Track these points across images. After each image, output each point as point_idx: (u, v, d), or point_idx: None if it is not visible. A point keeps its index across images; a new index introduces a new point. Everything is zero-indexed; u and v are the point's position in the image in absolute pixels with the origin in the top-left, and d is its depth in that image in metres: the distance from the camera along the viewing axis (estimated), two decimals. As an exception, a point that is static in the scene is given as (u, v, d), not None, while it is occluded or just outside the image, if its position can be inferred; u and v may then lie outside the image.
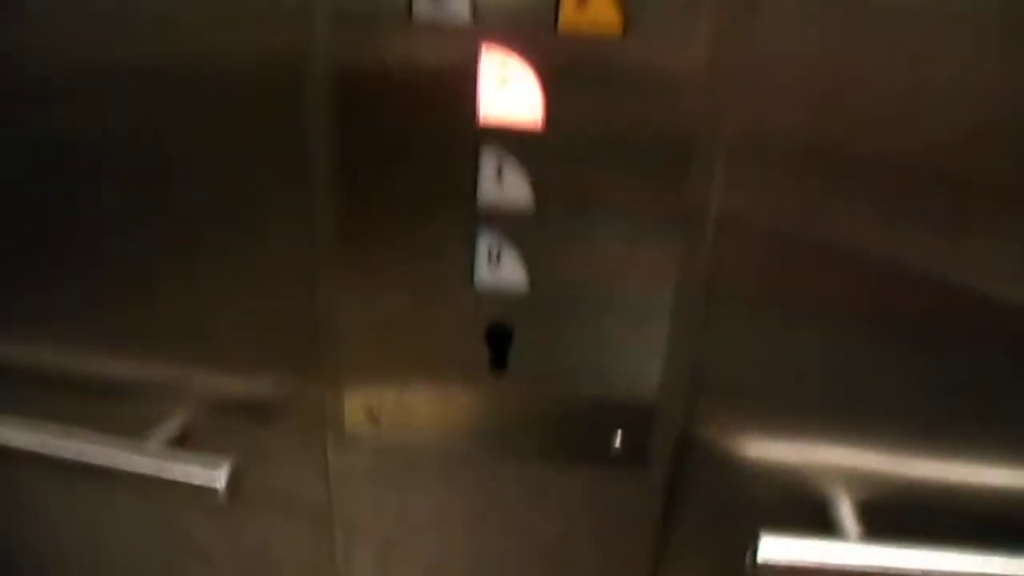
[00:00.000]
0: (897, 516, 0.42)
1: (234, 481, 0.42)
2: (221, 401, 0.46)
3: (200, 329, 0.45)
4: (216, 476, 0.42)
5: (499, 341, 0.40)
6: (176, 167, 0.41)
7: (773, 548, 0.39)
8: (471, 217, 0.38)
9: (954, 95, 0.35)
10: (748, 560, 0.39)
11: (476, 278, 0.39)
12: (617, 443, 0.42)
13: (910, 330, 0.39)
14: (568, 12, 0.34)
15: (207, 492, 0.42)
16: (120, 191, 0.43)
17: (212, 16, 0.38)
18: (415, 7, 0.35)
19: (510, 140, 0.37)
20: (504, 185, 0.37)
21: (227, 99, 0.39)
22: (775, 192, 0.37)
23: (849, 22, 0.35)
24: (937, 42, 0.35)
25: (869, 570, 0.39)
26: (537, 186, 0.37)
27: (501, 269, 0.39)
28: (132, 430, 0.45)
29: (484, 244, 0.38)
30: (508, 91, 0.36)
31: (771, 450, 0.42)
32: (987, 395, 0.40)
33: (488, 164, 0.37)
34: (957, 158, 0.36)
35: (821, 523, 0.42)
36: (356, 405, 0.43)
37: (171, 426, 0.47)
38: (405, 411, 0.42)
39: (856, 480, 0.42)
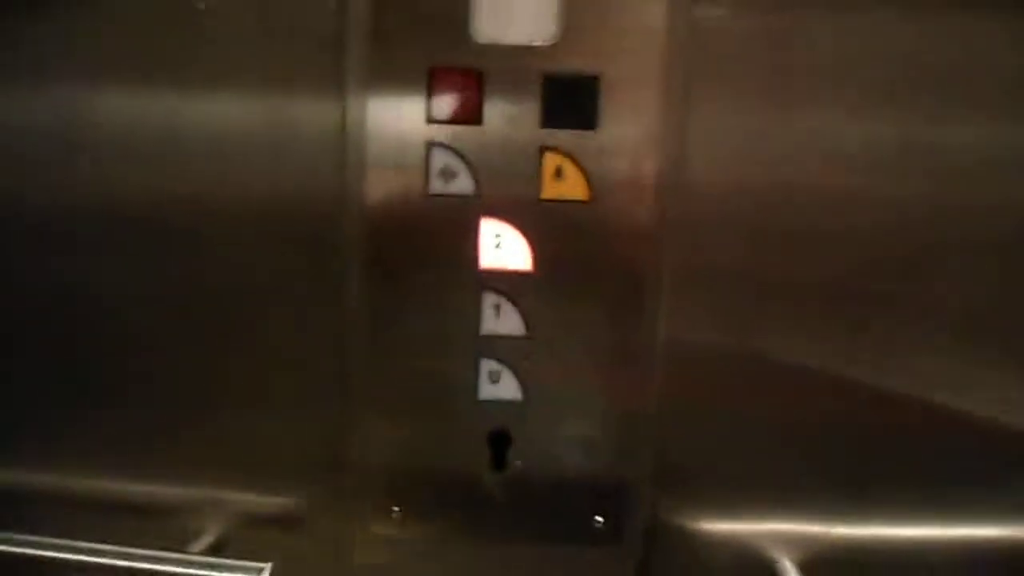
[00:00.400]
0: (835, 571, 0.50)
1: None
2: (254, 514, 0.52)
3: (234, 451, 0.51)
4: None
5: (499, 444, 0.48)
6: (212, 302, 0.48)
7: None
8: (475, 344, 0.47)
9: (865, 223, 0.46)
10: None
11: (479, 394, 0.48)
12: (598, 524, 0.50)
13: (831, 420, 0.49)
14: (548, 184, 0.45)
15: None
16: (158, 327, 0.49)
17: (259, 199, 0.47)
18: (431, 183, 0.45)
19: (505, 282, 0.46)
20: (501, 318, 0.47)
21: (268, 250, 0.47)
22: (715, 314, 0.48)
23: (768, 181, 0.46)
24: (851, 177, 0.46)
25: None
26: (528, 318, 0.47)
27: (500, 385, 0.47)
28: (169, 546, 0.49)
29: (486, 365, 0.47)
30: (503, 245, 0.46)
31: (726, 525, 0.51)
32: (895, 467, 0.50)
33: (488, 302, 0.46)
34: (862, 277, 0.47)
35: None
36: (379, 507, 0.50)
37: (206, 540, 0.51)
38: (420, 508, 0.50)
39: (795, 543, 0.51)
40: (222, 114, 0.46)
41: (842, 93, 0.46)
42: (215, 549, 0.51)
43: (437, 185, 0.45)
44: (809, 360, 0.48)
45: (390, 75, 0.45)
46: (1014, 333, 0.49)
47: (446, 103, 0.44)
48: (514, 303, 0.46)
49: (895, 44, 0.46)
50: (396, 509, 0.49)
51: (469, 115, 0.44)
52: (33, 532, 0.50)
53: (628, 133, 0.45)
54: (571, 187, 0.45)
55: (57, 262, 0.49)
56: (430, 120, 0.45)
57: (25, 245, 0.49)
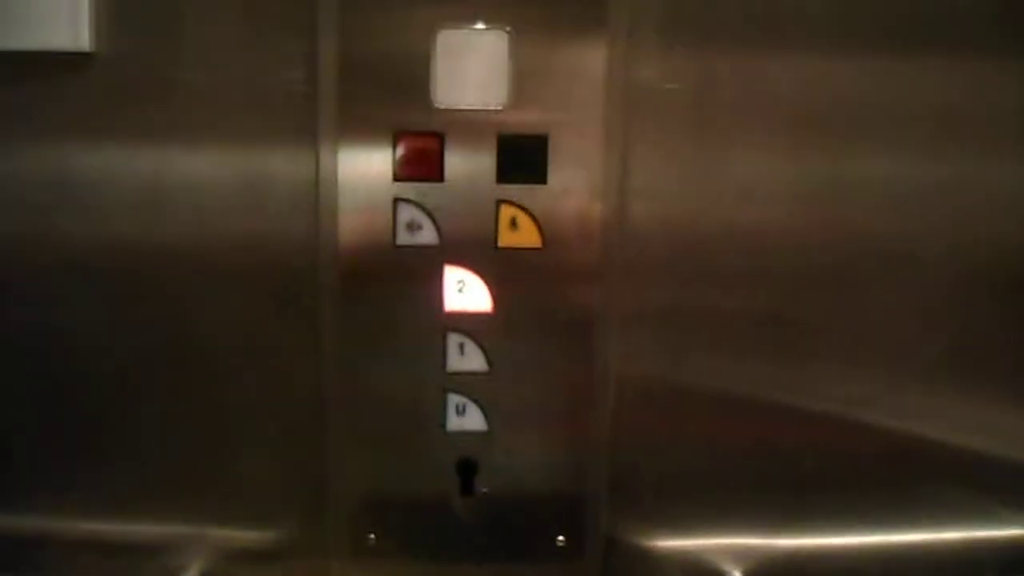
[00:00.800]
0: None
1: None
2: (235, 549, 0.54)
3: (215, 488, 0.53)
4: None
5: (467, 472, 0.52)
6: (193, 345, 0.51)
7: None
8: (442, 380, 0.51)
9: (795, 257, 0.51)
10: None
11: (447, 425, 0.51)
12: (560, 543, 0.53)
13: (769, 440, 0.54)
14: (504, 234, 0.50)
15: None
16: (141, 372, 0.51)
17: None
18: (398, 235, 0.49)
19: (467, 323, 0.50)
20: (465, 355, 0.51)
21: (246, 296, 0.50)
22: (659, 347, 0.52)
23: (704, 221, 0.51)
24: (780, 213, 0.51)
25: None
26: (490, 355, 0.51)
27: (466, 417, 0.51)
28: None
29: (452, 399, 0.51)
30: (465, 289, 0.50)
31: (677, 541, 0.55)
32: (828, 481, 0.54)
33: (453, 341, 0.51)
34: (793, 308, 0.52)
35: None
36: (356, 534, 0.53)
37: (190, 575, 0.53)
38: (394, 533, 0.53)
39: (742, 555, 0.55)
40: (201, 168, 0.50)
41: (768, 136, 0.50)
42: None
43: (404, 237, 0.49)
44: (747, 386, 0.53)
45: (359, 137, 0.49)
46: (929, 353, 0.54)
47: (410, 162, 0.49)
48: (477, 342, 0.51)
49: (820, 87, 0.50)
50: (372, 536, 0.53)
51: (431, 173, 0.49)
52: (15, 572, 0.53)
53: (575, 185, 0.49)
54: (525, 236, 0.50)
55: (39, 312, 0.51)
56: (396, 178, 0.49)
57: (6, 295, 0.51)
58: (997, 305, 0.53)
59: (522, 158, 0.49)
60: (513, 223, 0.49)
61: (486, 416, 0.51)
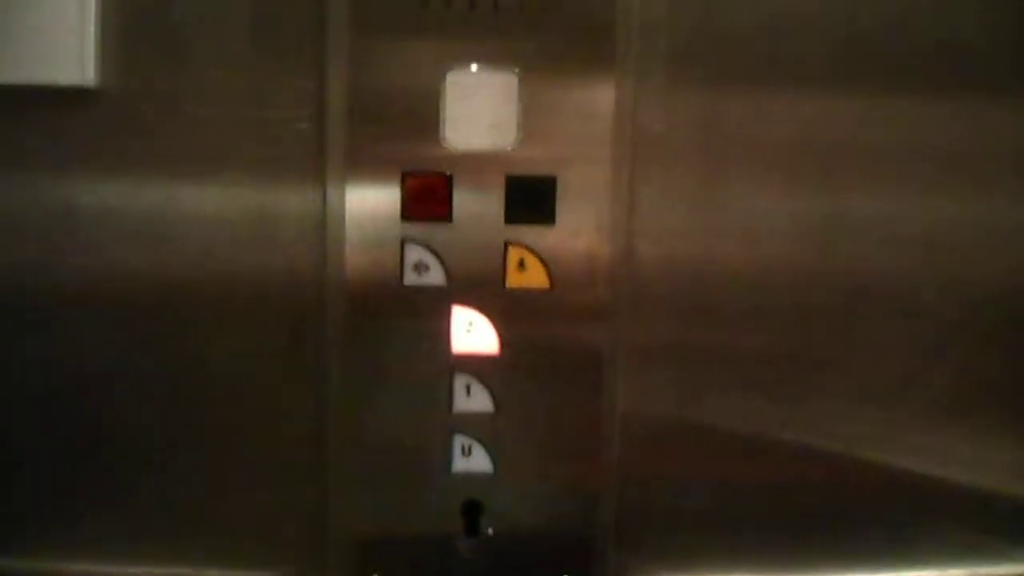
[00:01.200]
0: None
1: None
2: None
3: (217, 528, 0.53)
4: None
5: (472, 513, 0.52)
6: (197, 381, 0.51)
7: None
8: (448, 420, 0.51)
9: (800, 296, 0.51)
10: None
11: (453, 466, 0.51)
12: (566, 584, 0.53)
13: (776, 480, 0.54)
14: (512, 275, 0.49)
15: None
16: (142, 408, 0.51)
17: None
18: (405, 275, 0.49)
19: (475, 365, 0.50)
20: (472, 396, 0.51)
21: (253, 334, 0.51)
22: (667, 387, 0.52)
23: (710, 261, 0.51)
24: (785, 252, 0.51)
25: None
26: (496, 395, 0.51)
27: (472, 458, 0.51)
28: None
29: (458, 440, 0.51)
30: (473, 330, 0.50)
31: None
32: (834, 520, 0.54)
33: (459, 383, 0.50)
34: (799, 347, 0.52)
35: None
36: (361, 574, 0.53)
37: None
38: (400, 574, 0.53)
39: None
40: (210, 204, 0.50)
41: (772, 175, 0.51)
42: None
43: (411, 277, 0.49)
44: (753, 425, 0.53)
45: (367, 176, 0.49)
46: (933, 391, 0.54)
47: (418, 202, 0.49)
48: (484, 383, 0.50)
49: (824, 127, 0.50)
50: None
51: (439, 213, 0.49)
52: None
53: (583, 226, 0.49)
54: (533, 277, 0.49)
55: (43, 345, 0.51)
56: (404, 218, 0.49)
57: (9, 327, 0.51)
58: (998, 343, 0.54)
59: (530, 199, 0.49)
60: (521, 264, 0.49)
61: (492, 457, 0.51)
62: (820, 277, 0.52)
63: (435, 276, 0.49)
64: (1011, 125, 0.52)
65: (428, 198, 0.49)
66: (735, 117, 0.50)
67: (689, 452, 0.53)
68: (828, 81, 0.51)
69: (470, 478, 0.51)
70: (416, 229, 0.49)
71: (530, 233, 0.49)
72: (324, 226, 0.49)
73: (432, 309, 0.50)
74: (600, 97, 0.49)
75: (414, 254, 0.49)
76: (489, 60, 0.48)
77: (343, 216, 0.49)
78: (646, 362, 0.52)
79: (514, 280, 0.49)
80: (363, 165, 0.49)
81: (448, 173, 0.49)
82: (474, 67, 0.48)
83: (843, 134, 0.51)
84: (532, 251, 0.49)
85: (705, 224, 0.51)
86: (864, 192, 0.51)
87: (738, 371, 0.53)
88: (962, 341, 0.53)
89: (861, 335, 0.53)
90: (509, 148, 0.49)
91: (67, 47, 0.47)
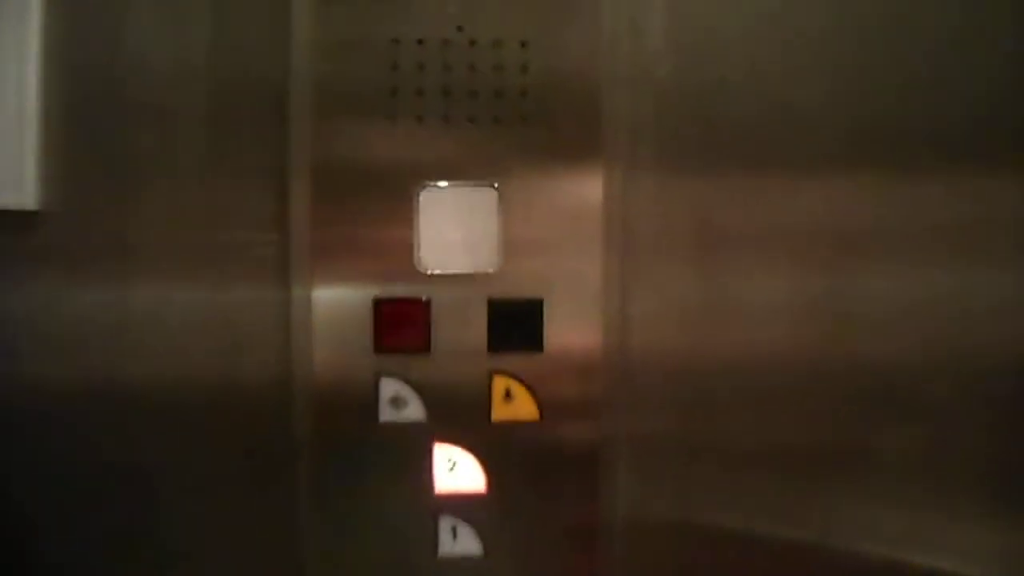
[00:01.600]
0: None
1: None
2: None
3: None
4: None
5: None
6: (166, 485, 0.46)
7: None
8: (434, 565, 0.46)
9: (801, 385, 0.48)
10: None
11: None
12: None
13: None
14: (498, 407, 0.46)
15: None
16: (112, 509, 0.46)
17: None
18: (381, 412, 0.45)
19: (460, 505, 0.46)
20: (458, 540, 0.46)
21: (218, 429, 0.46)
22: (668, 491, 0.48)
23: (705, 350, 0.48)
24: (782, 338, 0.48)
25: None
26: (484, 538, 0.46)
27: (460, 604, 0.47)
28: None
29: (445, 585, 0.47)
30: (457, 468, 0.46)
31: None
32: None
33: (444, 526, 0.46)
34: (803, 438, 0.49)
35: None
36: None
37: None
38: None
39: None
40: (174, 306, 0.46)
41: (769, 261, 0.48)
42: None
43: (388, 413, 0.45)
44: (753, 520, 0.49)
45: (336, 306, 0.45)
46: (948, 483, 0.51)
47: (393, 332, 0.45)
48: (470, 525, 0.46)
49: (818, 208, 0.48)
50: None
51: (417, 343, 0.45)
52: None
53: (573, 351, 0.46)
54: (521, 408, 0.46)
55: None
56: (378, 350, 0.45)
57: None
58: (1007, 424, 0.51)
59: (515, 324, 0.45)
60: (508, 395, 0.45)
61: (482, 606, 0.47)
62: (823, 365, 0.49)
63: (414, 412, 0.45)
64: (1007, 200, 0.49)
65: (404, 326, 0.45)
66: (728, 205, 0.48)
67: (692, 554, 0.49)
68: (823, 166, 0.48)
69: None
70: (392, 362, 0.45)
71: (516, 361, 0.46)
72: (290, 364, 0.45)
73: (412, 448, 0.46)
74: (587, 198, 0.46)
75: (390, 389, 0.45)
76: (465, 175, 0.45)
77: (311, 353, 0.45)
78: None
79: (500, 413, 0.46)
80: (331, 293, 0.45)
81: (425, 299, 0.45)
82: (448, 183, 0.45)
83: (839, 218, 0.48)
84: (519, 380, 0.46)
85: (700, 315, 0.48)
86: (864, 274, 0.49)
87: (744, 468, 0.49)
88: (969, 426, 0.50)
89: (863, 423, 0.50)
90: (491, 270, 0.45)
91: (6, 170, 0.45)
